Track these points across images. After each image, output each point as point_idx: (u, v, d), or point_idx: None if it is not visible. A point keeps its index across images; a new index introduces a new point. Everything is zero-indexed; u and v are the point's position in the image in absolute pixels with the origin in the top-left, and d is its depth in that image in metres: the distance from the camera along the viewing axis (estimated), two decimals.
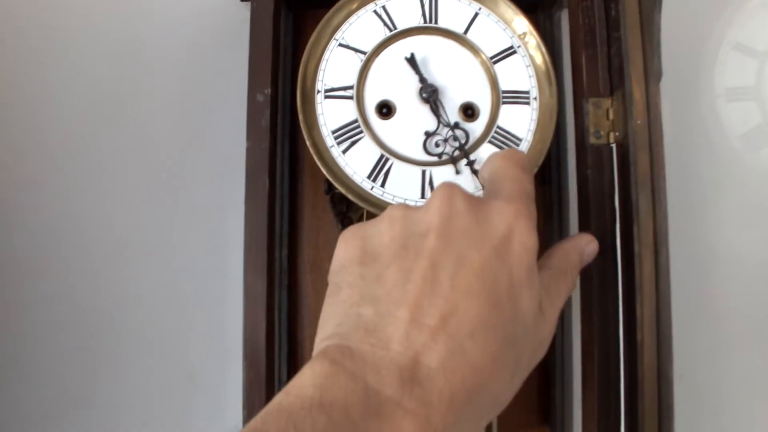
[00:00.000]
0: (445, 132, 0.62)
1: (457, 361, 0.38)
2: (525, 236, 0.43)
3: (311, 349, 0.73)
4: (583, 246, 0.53)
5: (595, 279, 0.61)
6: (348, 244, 0.45)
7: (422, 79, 0.62)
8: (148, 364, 0.80)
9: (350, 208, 0.73)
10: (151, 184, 0.80)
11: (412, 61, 0.63)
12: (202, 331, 0.80)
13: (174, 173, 0.80)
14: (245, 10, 0.66)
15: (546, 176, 0.74)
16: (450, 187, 0.46)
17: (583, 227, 0.63)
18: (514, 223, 0.43)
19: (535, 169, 0.61)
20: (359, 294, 0.41)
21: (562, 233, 0.72)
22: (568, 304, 0.71)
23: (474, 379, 0.38)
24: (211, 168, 0.81)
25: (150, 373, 0.80)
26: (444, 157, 0.61)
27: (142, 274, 0.79)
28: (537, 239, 0.45)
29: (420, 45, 0.64)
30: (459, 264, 0.41)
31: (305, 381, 0.37)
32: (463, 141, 0.62)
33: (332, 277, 0.45)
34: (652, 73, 0.57)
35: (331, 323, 0.41)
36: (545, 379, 0.74)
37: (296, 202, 0.74)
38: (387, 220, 0.45)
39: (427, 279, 0.40)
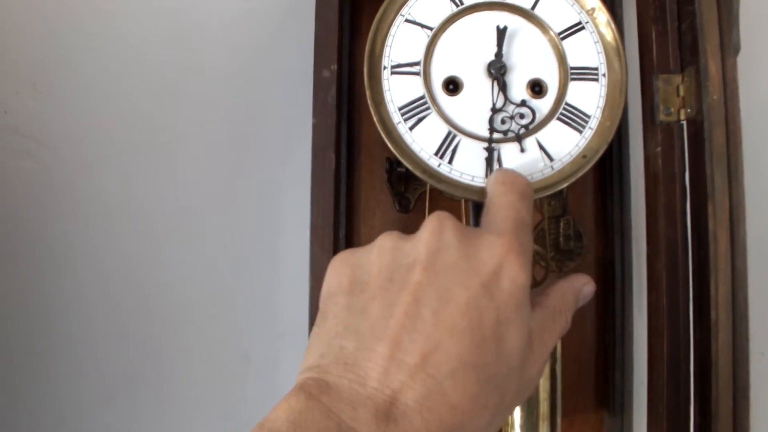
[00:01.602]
0: (511, 109, 0.61)
1: (435, 401, 0.37)
2: (515, 272, 0.42)
3: None
4: (579, 287, 0.51)
5: (665, 258, 0.60)
6: (338, 272, 0.45)
7: (499, 53, 0.61)
8: (204, 344, 0.80)
9: (408, 188, 0.73)
10: (210, 162, 0.80)
11: (502, 32, 0.62)
12: (256, 311, 0.80)
13: (233, 152, 0.80)
14: None
15: (606, 156, 0.73)
16: (441, 219, 0.44)
17: (652, 206, 0.62)
18: (505, 259, 0.42)
19: (605, 147, 0.60)
20: (343, 325, 0.41)
21: (623, 214, 0.71)
22: (628, 284, 0.70)
23: (452, 419, 0.37)
24: (272, 146, 0.80)
25: (206, 353, 0.80)
26: (510, 135, 0.61)
27: (199, 253, 0.79)
28: (529, 274, 0.43)
29: (487, 20, 0.63)
30: (444, 300, 0.40)
31: (280, 415, 0.37)
32: (529, 119, 0.61)
33: (321, 304, 0.45)
34: (729, 47, 0.56)
35: (315, 353, 0.41)
36: (603, 363, 0.73)
37: (353, 182, 0.74)
38: (377, 250, 0.44)
39: (410, 315, 0.39)
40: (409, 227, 0.73)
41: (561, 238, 0.71)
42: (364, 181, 0.74)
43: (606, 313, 0.73)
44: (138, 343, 0.80)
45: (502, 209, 0.47)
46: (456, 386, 0.38)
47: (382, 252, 0.44)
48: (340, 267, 0.45)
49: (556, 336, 0.47)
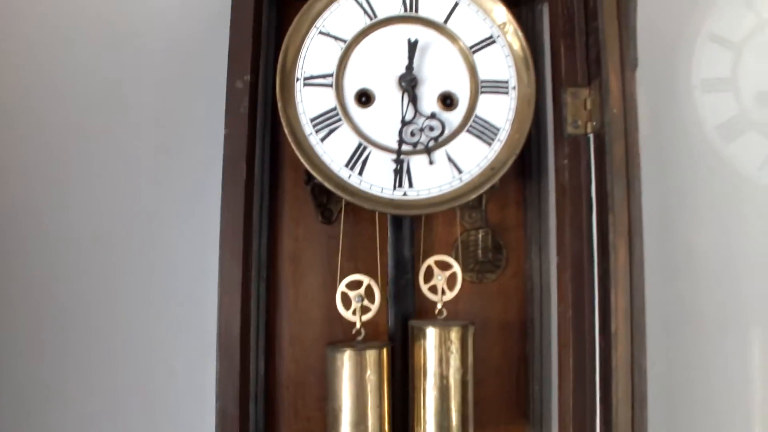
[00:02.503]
0: (421, 121, 0.62)
1: None
2: None
3: (289, 343, 0.73)
4: None
5: (571, 270, 0.61)
6: None
7: (410, 66, 0.62)
8: (129, 359, 0.79)
9: (330, 200, 0.73)
10: (132, 173, 0.79)
11: (413, 46, 0.62)
12: (181, 326, 0.80)
13: (155, 164, 0.79)
14: None
15: (527, 167, 0.74)
16: None
17: (560, 218, 0.63)
18: None
19: (513, 159, 0.61)
20: None
21: (541, 225, 0.72)
22: (546, 295, 0.71)
23: None
24: (193, 158, 0.80)
25: (131, 368, 0.79)
26: (419, 147, 0.61)
27: (123, 269, 0.79)
28: None
29: (400, 34, 0.64)
30: None
31: None
32: (438, 131, 0.62)
33: None
34: (628, 62, 0.57)
35: None
36: (523, 375, 0.73)
37: (276, 193, 0.74)
38: None
39: None
40: (333, 238, 0.74)
41: (479, 251, 0.72)
42: (288, 192, 0.74)
43: (526, 325, 0.74)
44: (61, 357, 0.79)
45: None
46: None
47: None
48: None
49: None
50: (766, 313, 0.71)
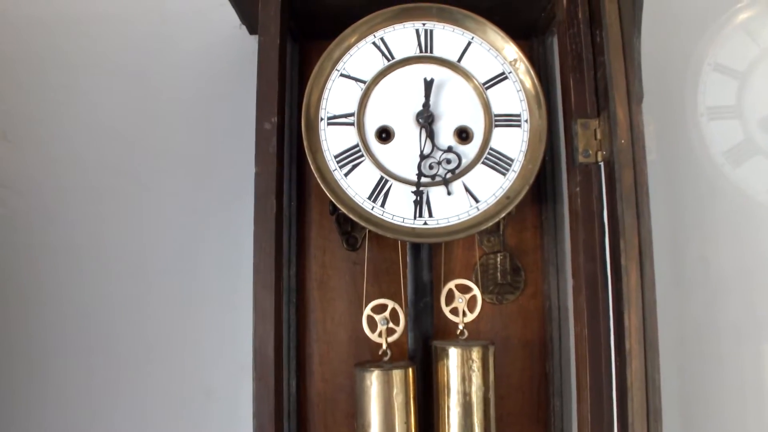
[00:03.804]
0: (438, 155, 0.66)
1: None
2: None
3: (319, 363, 0.77)
4: None
5: (586, 292, 0.64)
6: None
7: (427, 104, 0.66)
8: (167, 379, 0.84)
9: (355, 227, 0.77)
10: (170, 208, 0.84)
11: (429, 84, 0.66)
12: (217, 348, 0.84)
13: (190, 199, 0.84)
14: (254, 43, 0.71)
15: (543, 194, 0.77)
16: None
17: (574, 242, 0.66)
18: None
19: (527, 188, 0.65)
20: None
21: (557, 248, 0.75)
22: (564, 315, 0.74)
23: None
24: (225, 193, 0.85)
25: (168, 388, 0.84)
26: (437, 179, 0.65)
27: (162, 295, 0.83)
28: None
29: (416, 73, 0.68)
30: None
31: None
32: (455, 164, 0.65)
33: None
34: (633, 95, 0.60)
35: None
36: (545, 391, 0.77)
37: (303, 223, 0.78)
38: None
39: None
40: (357, 264, 0.78)
41: (499, 273, 0.75)
42: (314, 222, 0.78)
43: (546, 343, 0.77)
44: (104, 380, 0.84)
45: None
46: None
47: None
48: None
49: None
50: None
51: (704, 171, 0.73)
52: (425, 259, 0.73)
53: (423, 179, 0.65)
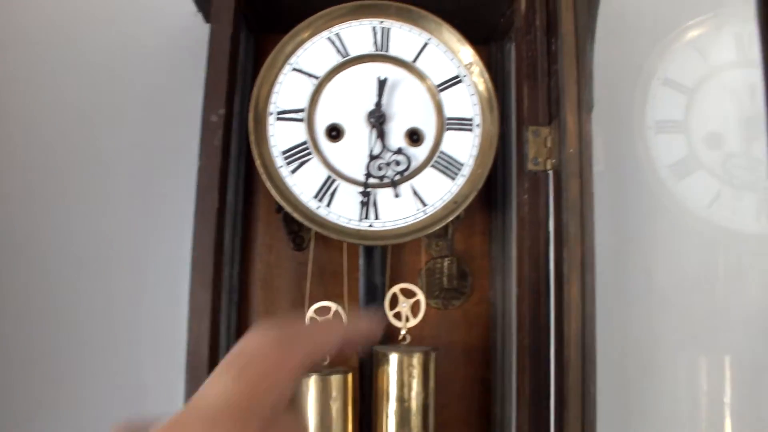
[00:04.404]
0: (388, 156, 0.65)
1: None
2: None
3: None
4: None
5: (529, 300, 0.63)
6: None
7: (379, 103, 0.65)
8: (101, 377, 0.81)
9: (302, 227, 0.75)
10: (109, 201, 0.82)
11: (382, 83, 0.65)
12: (154, 347, 0.81)
13: (131, 193, 0.82)
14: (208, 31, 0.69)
15: (493, 200, 0.77)
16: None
17: (520, 250, 0.65)
18: None
19: (475, 194, 0.64)
20: None
21: (504, 255, 0.75)
22: (508, 322, 0.74)
23: None
24: (176, 186, 0.82)
25: (102, 387, 0.81)
26: (385, 180, 0.64)
27: (99, 291, 0.81)
28: None
29: (370, 71, 0.67)
30: None
31: None
32: (404, 166, 0.64)
33: None
34: (584, 104, 0.60)
35: None
36: (488, 398, 0.76)
37: (250, 220, 0.76)
38: None
39: None
40: (304, 264, 0.76)
41: (445, 278, 0.75)
42: (261, 220, 0.76)
43: (489, 350, 0.76)
44: (37, 377, 0.81)
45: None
46: None
47: None
48: None
49: None
50: (711, 337, 0.75)
51: (649, 183, 0.74)
52: (378, 262, 0.72)
53: (371, 180, 0.64)
